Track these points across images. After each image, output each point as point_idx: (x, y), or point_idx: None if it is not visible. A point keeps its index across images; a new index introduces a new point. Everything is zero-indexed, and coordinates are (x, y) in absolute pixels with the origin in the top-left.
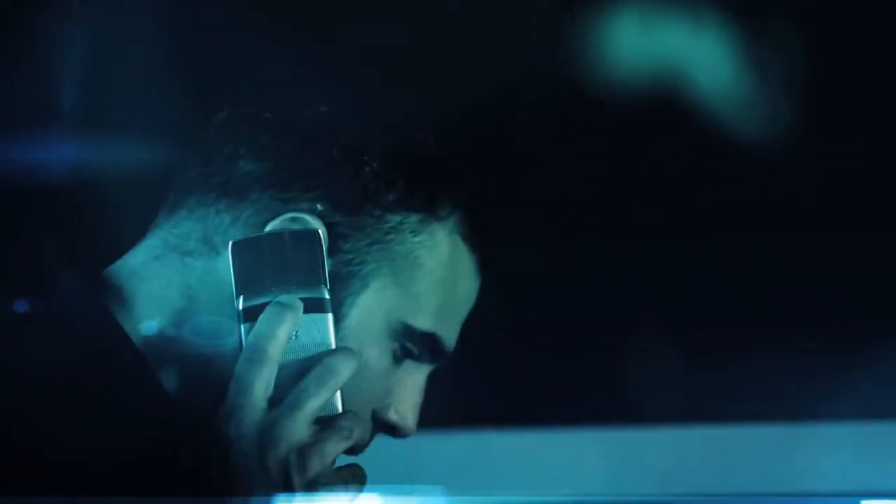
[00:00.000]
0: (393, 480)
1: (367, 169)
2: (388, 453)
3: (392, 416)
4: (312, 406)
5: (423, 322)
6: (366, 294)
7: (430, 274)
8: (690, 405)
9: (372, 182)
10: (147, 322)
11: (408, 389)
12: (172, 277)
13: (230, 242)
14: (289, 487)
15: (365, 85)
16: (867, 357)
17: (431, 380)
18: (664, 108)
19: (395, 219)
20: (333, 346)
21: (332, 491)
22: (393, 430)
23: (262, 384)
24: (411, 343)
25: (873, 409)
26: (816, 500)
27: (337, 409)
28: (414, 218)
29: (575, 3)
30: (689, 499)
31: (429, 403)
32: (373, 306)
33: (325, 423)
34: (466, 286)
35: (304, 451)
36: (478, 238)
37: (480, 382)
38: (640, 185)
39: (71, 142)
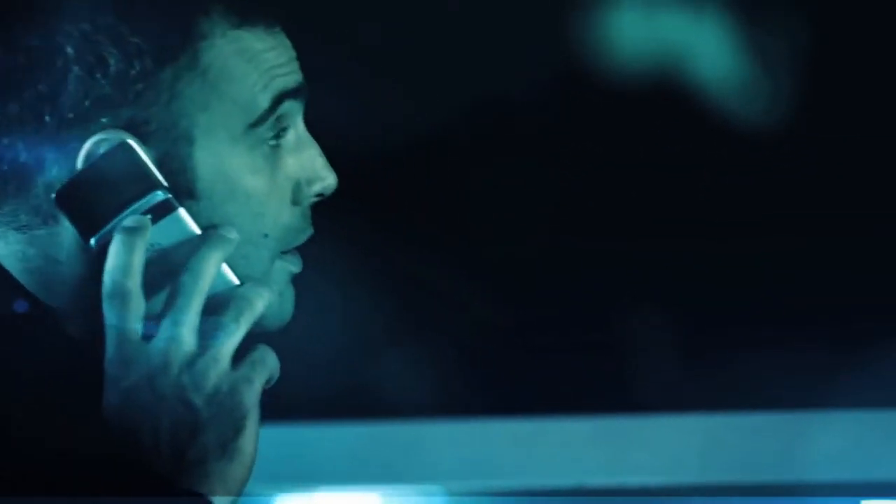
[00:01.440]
0: (389, 472)
1: (93, 59)
2: (384, 446)
3: (309, 188)
4: (187, 317)
5: (260, 102)
6: (199, 144)
7: (233, 75)
8: (687, 394)
9: (109, 68)
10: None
11: (301, 155)
12: (27, 251)
13: (52, 196)
14: (192, 409)
15: None
16: (867, 346)
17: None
18: (660, 91)
19: (163, 77)
20: (198, 233)
21: (240, 392)
22: (321, 195)
23: (130, 319)
24: (273, 122)
25: (874, 398)
26: (816, 500)
27: (232, 283)
28: (184, 59)
29: None
30: (689, 498)
31: (427, 393)
32: (213, 146)
33: (209, 326)
34: (274, 52)
35: (193, 366)
36: (249, 20)
37: (474, 372)
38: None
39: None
